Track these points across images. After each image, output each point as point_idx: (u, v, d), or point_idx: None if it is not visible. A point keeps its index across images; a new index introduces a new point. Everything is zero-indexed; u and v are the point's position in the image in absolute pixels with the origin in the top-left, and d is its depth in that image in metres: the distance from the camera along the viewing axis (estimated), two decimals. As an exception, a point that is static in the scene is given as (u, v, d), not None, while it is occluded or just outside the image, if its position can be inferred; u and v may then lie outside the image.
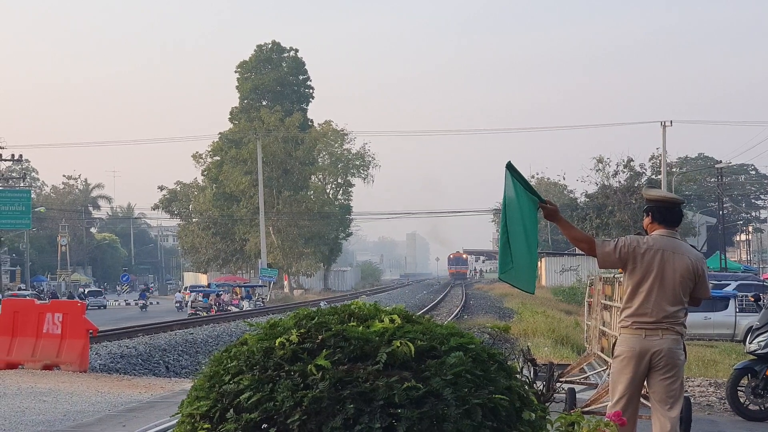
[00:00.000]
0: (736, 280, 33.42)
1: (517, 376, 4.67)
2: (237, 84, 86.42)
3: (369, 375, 4.20)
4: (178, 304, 61.76)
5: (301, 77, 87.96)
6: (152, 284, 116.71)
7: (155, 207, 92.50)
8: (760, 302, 22.28)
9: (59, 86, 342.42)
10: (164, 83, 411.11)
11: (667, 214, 6.45)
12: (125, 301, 73.95)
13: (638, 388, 6.31)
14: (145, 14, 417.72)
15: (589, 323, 13.35)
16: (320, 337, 4.44)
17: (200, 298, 54.02)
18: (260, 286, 64.11)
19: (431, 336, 4.49)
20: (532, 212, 6.32)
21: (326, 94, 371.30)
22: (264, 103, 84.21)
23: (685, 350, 6.38)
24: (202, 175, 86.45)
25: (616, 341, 6.45)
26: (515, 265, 6.25)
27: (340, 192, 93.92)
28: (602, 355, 12.15)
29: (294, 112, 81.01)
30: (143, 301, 65.76)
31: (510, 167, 6.24)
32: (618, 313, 6.59)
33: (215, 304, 52.83)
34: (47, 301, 26.11)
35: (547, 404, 4.91)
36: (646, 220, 6.54)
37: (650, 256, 6.28)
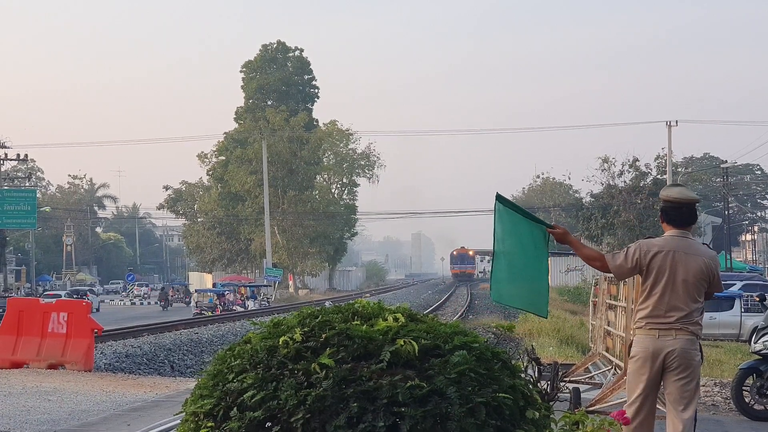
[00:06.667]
0: (741, 280, 33.29)
1: (522, 375, 4.66)
2: (242, 84, 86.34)
3: (372, 374, 4.19)
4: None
5: (306, 77, 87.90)
6: (158, 284, 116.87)
7: (160, 207, 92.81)
8: (766, 302, 22.16)
9: (64, 86, 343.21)
10: (169, 83, 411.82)
11: (676, 214, 6.38)
12: (131, 300, 73.97)
13: (654, 388, 6.28)
14: (151, 16, 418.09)
15: (594, 323, 13.37)
16: (324, 335, 4.43)
17: (204, 300, 53.98)
18: (265, 285, 64.10)
19: (435, 335, 4.48)
20: (542, 240, 6.43)
21: (331, 94, 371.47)
22: (269, 102, 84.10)
23: (701, 351, 6.35)
24: (208, 174, 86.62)
25: (631, 342, 6.44)
26: (517, 290, 6.49)
27: (345, 192, 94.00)
28: (607, 354, 12.15)
29: (299, 112, 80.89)
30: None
31: (500, 198, 6.32)
32: (633, 314, 6.57)
33: (220, 304, 52.82)
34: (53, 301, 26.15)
35: (551, 403, 4.89)
36: (661, 220, 6.53)
37: (662, 258, 6.25)
